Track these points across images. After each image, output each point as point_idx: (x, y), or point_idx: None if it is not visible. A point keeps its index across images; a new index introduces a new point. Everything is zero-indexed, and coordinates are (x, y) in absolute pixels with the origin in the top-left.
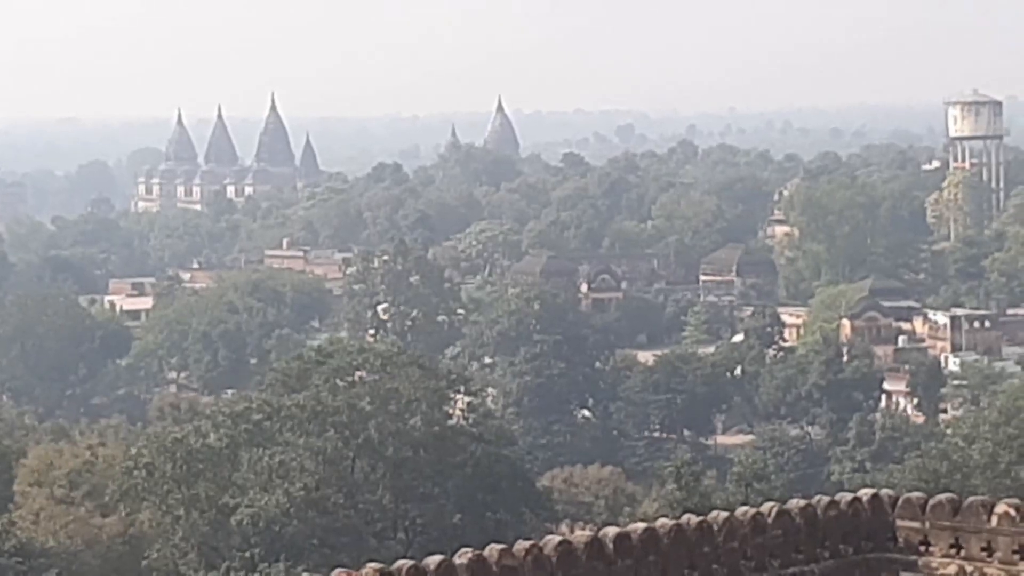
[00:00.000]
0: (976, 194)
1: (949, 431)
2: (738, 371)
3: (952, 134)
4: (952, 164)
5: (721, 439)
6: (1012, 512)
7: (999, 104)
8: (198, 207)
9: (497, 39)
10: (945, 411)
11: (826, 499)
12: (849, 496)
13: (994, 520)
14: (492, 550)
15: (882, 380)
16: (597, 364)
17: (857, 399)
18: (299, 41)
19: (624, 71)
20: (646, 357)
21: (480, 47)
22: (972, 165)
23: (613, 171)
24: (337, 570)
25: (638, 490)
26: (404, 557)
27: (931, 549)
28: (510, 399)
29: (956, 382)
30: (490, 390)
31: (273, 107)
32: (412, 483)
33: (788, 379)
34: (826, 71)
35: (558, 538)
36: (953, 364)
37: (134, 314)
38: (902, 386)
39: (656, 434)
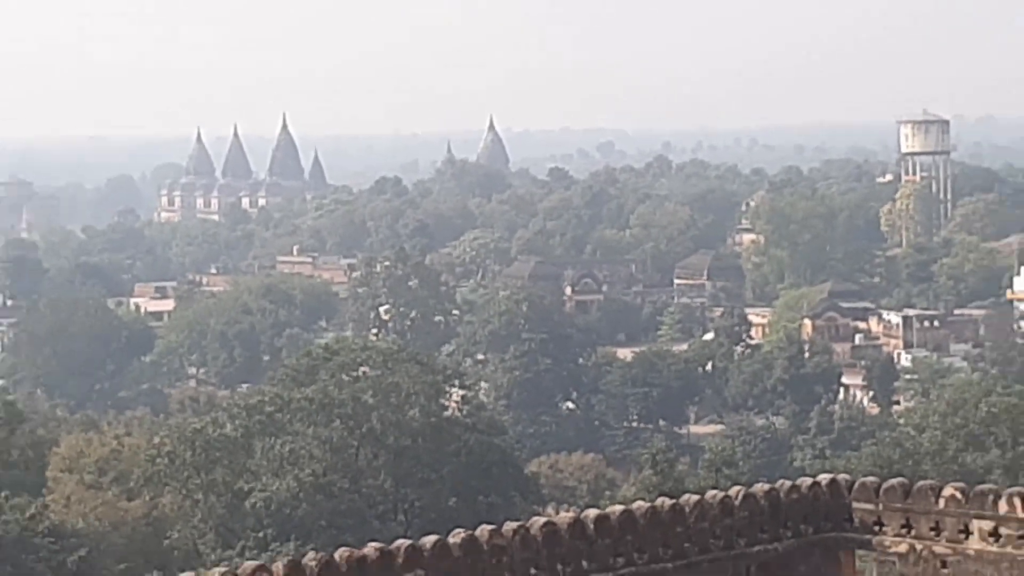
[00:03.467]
0: (926, 205)
1: (901, 421)
2: (709, 366)
3: (904, 150)
4: (904, 177)
5: (694, 429)
6: (958, 495)
7: (947, 123)
8: (216, 217)
9: (489, 64)
10: (898, 403)
11: (788, 483)
12: (809, 481)
13: (942, 502)
14: (483, 530)
15: (840, 374)
16: (580, 360)
17: (817, 392)
18: (308, 65)
19: (605, 92)
20: (625, 354)
21: (474, 71)
22: (922, 178)
23: (595, 184)
24: (341, 549)
25: (618, 475)
26: (403, 537)
27: (884, 529)
28: (501, 392)
29: (908, 376)
30: (482, 384)
31: (285, 126)
32: (411, 469)
33: (755, 374)
34: (789, 92)
35: (543, 519)
36: (905, 360)
37: (157, 315)
38: (859, 380)
39: (634, 424)
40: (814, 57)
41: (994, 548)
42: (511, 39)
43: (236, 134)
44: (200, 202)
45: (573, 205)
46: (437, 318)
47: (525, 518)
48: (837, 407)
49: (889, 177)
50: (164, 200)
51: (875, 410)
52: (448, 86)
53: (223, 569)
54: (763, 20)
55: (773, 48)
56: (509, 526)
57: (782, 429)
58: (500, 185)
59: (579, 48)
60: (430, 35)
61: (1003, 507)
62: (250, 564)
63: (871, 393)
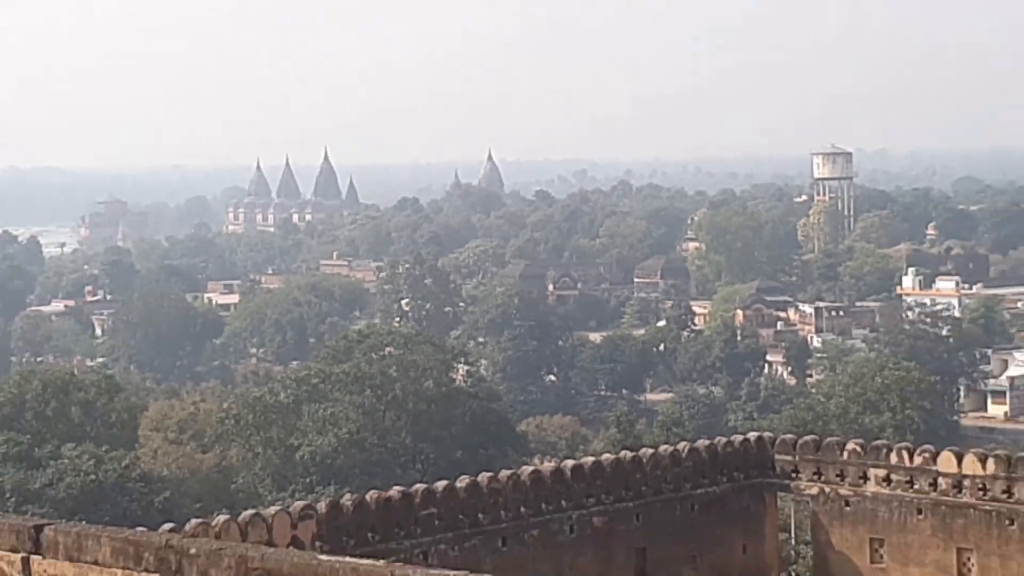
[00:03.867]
0: (833, 219)
1: (813, 390)
2: (661, 347)
3: (816, 176)
4: (816, 198)
5: (650, 396)
6: (858, 449)
7: (850, 154)
8: (271, 229)
9: (487, 108)
10: (811, 376)
11: (724, 439)
12: (740, 437)
13: (845, 455)
14: (483, 476)
15: (765, 353)
16: (560, 342)
17: (747, 367)
18: (343, 108)
19: (579, 131)
20: (595, 337)
21: (476, 113)
22: (830, 198)
23: (571, 203)
24: (371, 491)
25: (589, 433)
26: (421, 482)
27: (800, 475)
28: (497, 368)
29: (819, 355)
30: (482, 361)
31: (326, 157)
32: (426, 428)
33: (697, 353)
34: (726, 130)
35: (531, 468)
36: (816, 342)
37: (225, 307)
38: (780, 358)
39: (602, 393)
40: (746, 102)
41: (886, 491)
42: (502, 92)
43: (288, 164)
44: (259, 217)
45: (554, 220)
46: (447, 309)
47: (516, 467)
48: (763, 379)
49: (804, 197)
50: (231, 216)
51: (793, 382)
52: (455, 126)
53: (278, 507)
54: (704, 71)
55: (714, 94)
56: (503, 473)
57: (719, 396)
58: (496, 204)
59: (563, 94)
60: (441, 86)
61: (893, 458)
62: (299, 503)
63: (789, 368)
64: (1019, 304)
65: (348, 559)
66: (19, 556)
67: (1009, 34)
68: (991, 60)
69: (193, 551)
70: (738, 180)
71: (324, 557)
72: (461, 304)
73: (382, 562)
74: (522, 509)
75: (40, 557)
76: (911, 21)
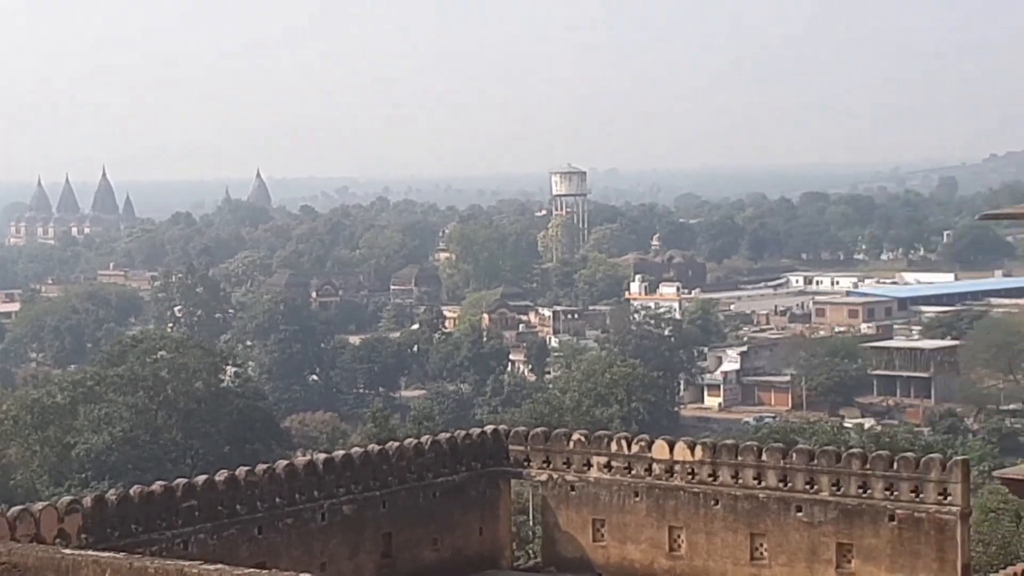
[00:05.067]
0: (569, 232)
1: (551, 386)
2: (415, 348)
3: (554, 192)
4: (554, 212)
5: (404, 393)
6: (582, 439)
7: (584, 173)
8: (52, 242)
9: (256, 129)
10: (549, 373)
11: (463, 432)
12: (479, 430)
13: (571, 444)
14: (241, 470)
15: (509, 353)
16: (322, 344)
17: (493, 365)
18: (121, 126)
19: (341, 151)
20: (355, 340)
21: (244, 131)
22: (567, 213)
23: (334, 217)
24: (135, 486)
25: (349, 428)
26: (191, 476)
27: (531, 464)
28: (264, 369)
29: (556, 354)
30: (250, 363)
31: (104, 174)
32: (196, 426)
33: (447, 353)
34: (474, 153)
35: (286, 461)
36: (554, 342)
37: (6, 314)
38: (522, 357)
39: (361, 391)
40: (493, 125)
41: (607, 476)
42: (272, 113)
43: (67, 181)
44: (40, 231)
45: (318, 232)
46: (217, 315)
47: (279, 461)
48: (506, 376)
49: (544, 212)
50: (13, 229)
51: (533, 378)
52: (226, 146)
53: (46, 503)
54: (456, 95)
55: (463, 116)
56: (260, 467)
57: (467, 392)
58: (264, 218)
59: (326, 115)
60: (212, 108)
61: (614, 447)
62: (66, 499)
63: (530, 366)
64: (731, 307)
65: (91, 552)
66: None
67: (708, 63)
68: (677, 89)
69: None
70: (485, 196)
71: (67, 551)
72: (230, 311)
73: (122, 554)
74: (277, 499)
75: None
76: (628, 53)
